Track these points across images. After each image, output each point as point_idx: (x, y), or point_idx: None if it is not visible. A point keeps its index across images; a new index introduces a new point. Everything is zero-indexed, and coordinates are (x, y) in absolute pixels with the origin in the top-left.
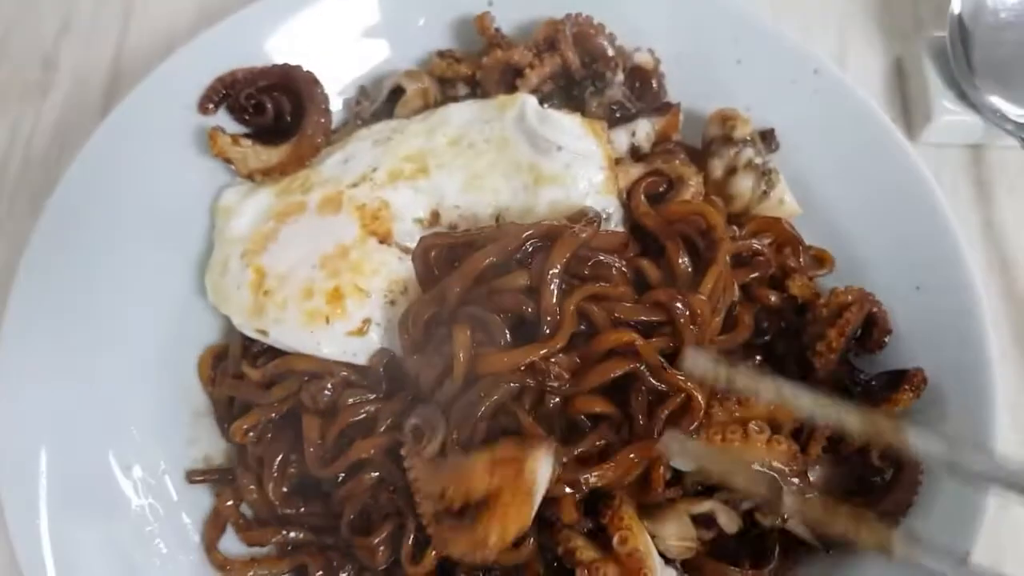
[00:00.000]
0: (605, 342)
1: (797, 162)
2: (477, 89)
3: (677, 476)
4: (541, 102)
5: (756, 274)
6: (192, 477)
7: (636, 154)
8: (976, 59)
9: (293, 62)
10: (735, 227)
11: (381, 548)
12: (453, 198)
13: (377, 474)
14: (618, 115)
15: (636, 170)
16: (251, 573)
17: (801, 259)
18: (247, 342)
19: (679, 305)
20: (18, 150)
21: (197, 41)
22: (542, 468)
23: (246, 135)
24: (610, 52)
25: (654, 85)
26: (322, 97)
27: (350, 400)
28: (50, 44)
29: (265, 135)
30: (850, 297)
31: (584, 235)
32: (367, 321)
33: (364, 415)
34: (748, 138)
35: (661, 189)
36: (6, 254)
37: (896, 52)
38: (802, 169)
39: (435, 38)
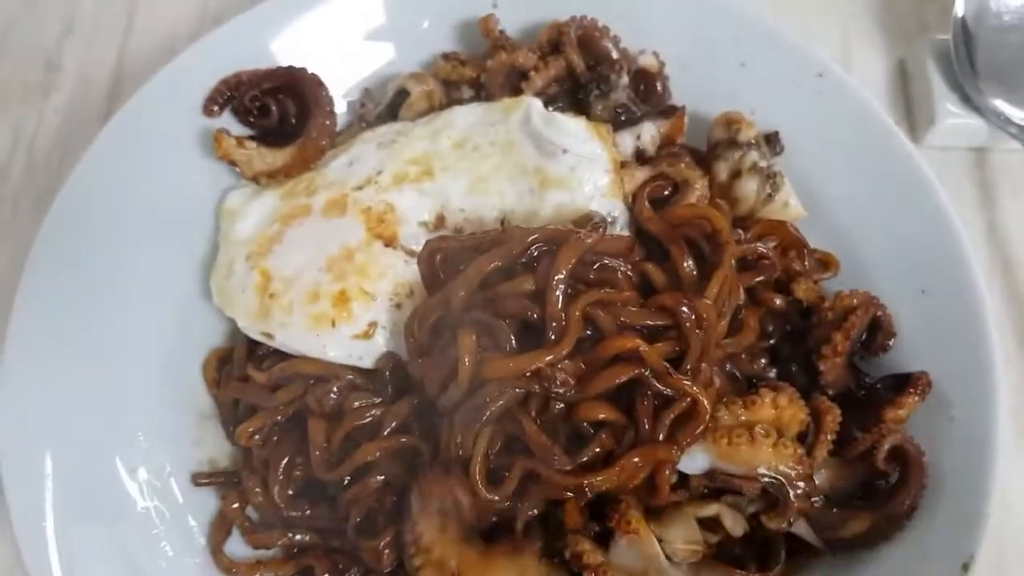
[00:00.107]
0: (610, 348)
1: (802, 165)
2: (482, 92)
3: (683, 479)
4: (546, 105)
5: (761, 278)
6: (198, 480)
7: (641, 157)
8: (980, 62)
9: (298, 64)
10: (740, 230)
11: (387, 551)
12: (458, 201)
13: (383, 477)
14: (623, 118)
15: (641, 173)
16: (257, 575)
17: (806, 262)
18: (252, 345)
19: (685, 309)
20: (21, 152)
21: (201, 43)
22: None
23: (251, 137)
24: (615, 55)
25: (659, 88)
26: (327, 99)
27: (356, 403)
28: (53, 45)
29: (270, 137)
30: (855, 301)
31: (590, 240)
32: (373, 324)
33: (370, 419)
34: (753, 141)
35: (666, 192)
36: (10, 257)
37: (899, 55)
38: (807, 172)
39: (439, 40)
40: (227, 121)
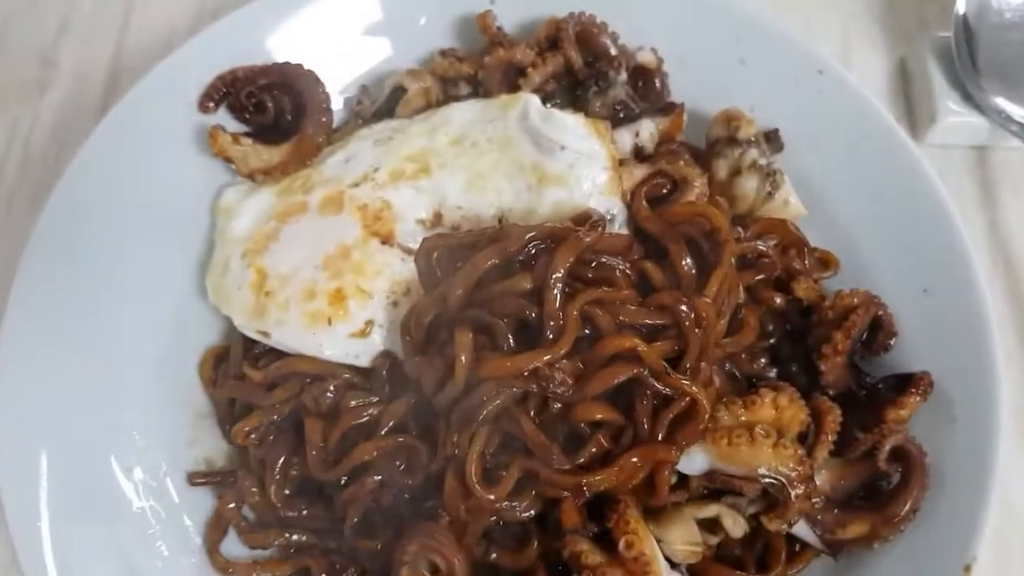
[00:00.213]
0: (608, 347)
1: (802, 163)
2: (479, 88)
3: (683, 480)
4: (544, 102)
5: (761, 276)
6: (194, 479)
7: (640, 155)
8: (981, 60)
9: (294, 60)
10: (740, 228)
11: (383, 552)
12: (455, 198)
13: (380, 477)
14: (621, 115)
15: (640, 171)
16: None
17: (806, 261)
18: (248, 343)
19: (684, 308)
20: (17, 149)
21: (197, 39)
22: None
23: (247, 134)
24: (613, 51)
25: (657, 85)
26: (323, 96)
27: (352, 402)
28: (49, 42)
29: (266, 134)
30: (856, 300)
31: (588, 239)
32: (370, 323)
33: (367, 418)
34: (753, 139)
35: (665, 190)
36: (5, 254)
37: (900, 53)
38: (807, 170)
39: (437, 37)
40: (223, 117)
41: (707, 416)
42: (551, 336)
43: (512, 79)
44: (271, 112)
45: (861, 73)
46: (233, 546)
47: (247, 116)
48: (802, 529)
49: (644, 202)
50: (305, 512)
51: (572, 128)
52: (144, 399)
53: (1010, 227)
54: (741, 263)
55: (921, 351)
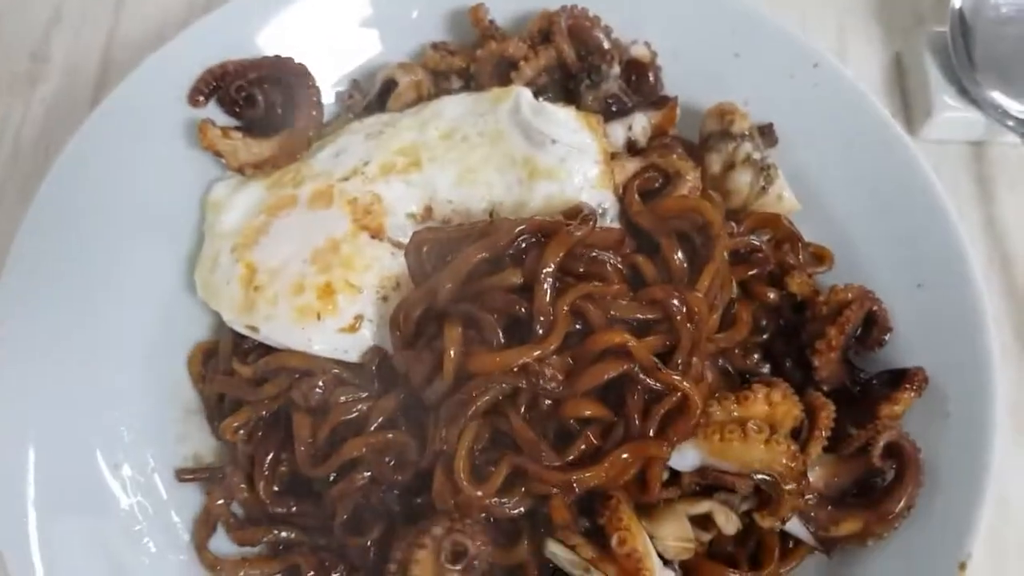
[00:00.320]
0: (598, 342)
1: (796, 157)
2: (471, 82)
3: (675, 476)
4: (536, 95)
5: (755, 271)
6: (182, 475)
7: (632, 148)
8: (977, 54)
9: (285, 54)
10: (733, 223)
11: (373, 549)
12: (446, 192)
13: (369, 473)
14: (614, 109)
15: (632, 164)
16: (242, 573)
17: (800, 256)
18: (238, 338)
19: (675, 302)
20: (7, 142)
21: (187, 32)
22: None
23: (236, 128)
24: (606, 45)
25: (651, 78)
26: (314, 90)
27: (342, 398)
28: (40, 35)
29: (256, 128)
30: (850, 295)
31: (579, 234)
32: (359, 317)
33: (356, 413)
34: (747, 133)
35: (657, 184)
36: None
37: (896, 47)
38: (801, 164)
39: (428, 30)
40: (213, 111)
41: (699, 412)
42: (541, 331)
43: (504, 73)
44: (261, 106)
45: (857, 67)
46: (221, 543)
47: (237, 110)
48: (795, 526)
49: (636, 196)
50: (294, 509)
51: (564, 122)
52: (132, 395)
53: (1007, 223)
54: (734, 258)
55: (916, 346)
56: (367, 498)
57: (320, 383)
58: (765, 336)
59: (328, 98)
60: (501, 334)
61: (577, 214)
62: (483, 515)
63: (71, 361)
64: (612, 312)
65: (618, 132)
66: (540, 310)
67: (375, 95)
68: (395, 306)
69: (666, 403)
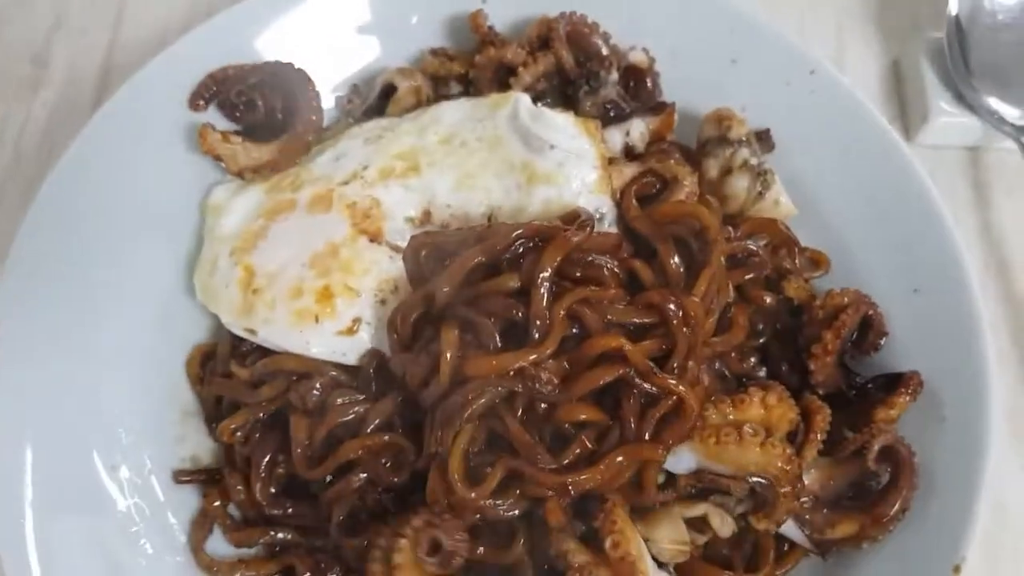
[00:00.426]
0: (594, 347)
1: (793, 163)
2: (470, 87)
3: (670, 479)
4: (534, 101)
5: (751, 275)
6: (179, 477)
7: (630, 154)
8: (973, 61)
9: (285, 59)
10: (730, 228)
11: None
12: (445, 197)
13: (365, 475)
14: (612, 114)
15: (630, 170)
16: (238, 574)
17: (797, 260)
18: (236, 341)
19: (672, 306)
20: (8, 147)
21: (188, 37)
22: None
23: (236, 132)
24: (604, 51)
25: (649, 84)
26: (313, 94)
27: (339, 400)
28: (41, 40)
29: (256, 132)
30: (846, 299)
31: (576, 239)
32: (357, 320)
33: (353, 416)
34: (744, 138)
35: (655, 189)
36: None
37: (893, 53)
38: (798, 170)
39: (428, 36)
40: (213, 116)
41: (695, 415)
42: (537, 336)
43: (503, 78)
44: (261, 110)
45: (854, 73)
46: (218, 544)
47: (237, 114)
48: (790, 529)
49: (634, 201)
50: (290, 510)
51: (562, 127)
52: (130, 396)
53: (1003, 228)
54: (731, 262)
55: (911, 351)
56: (363, 500)
57: (317, 385)
58: (761, 340)
59: (328, 103)
60: (498, 338)
61: (575, 219)
62: (477, 516)
63: (70, 362)
64: (609, 316)
65: (616, 137)
66: (537, 314)
67: (374, 100)
68: (393, 309)
69: (662, 407)
